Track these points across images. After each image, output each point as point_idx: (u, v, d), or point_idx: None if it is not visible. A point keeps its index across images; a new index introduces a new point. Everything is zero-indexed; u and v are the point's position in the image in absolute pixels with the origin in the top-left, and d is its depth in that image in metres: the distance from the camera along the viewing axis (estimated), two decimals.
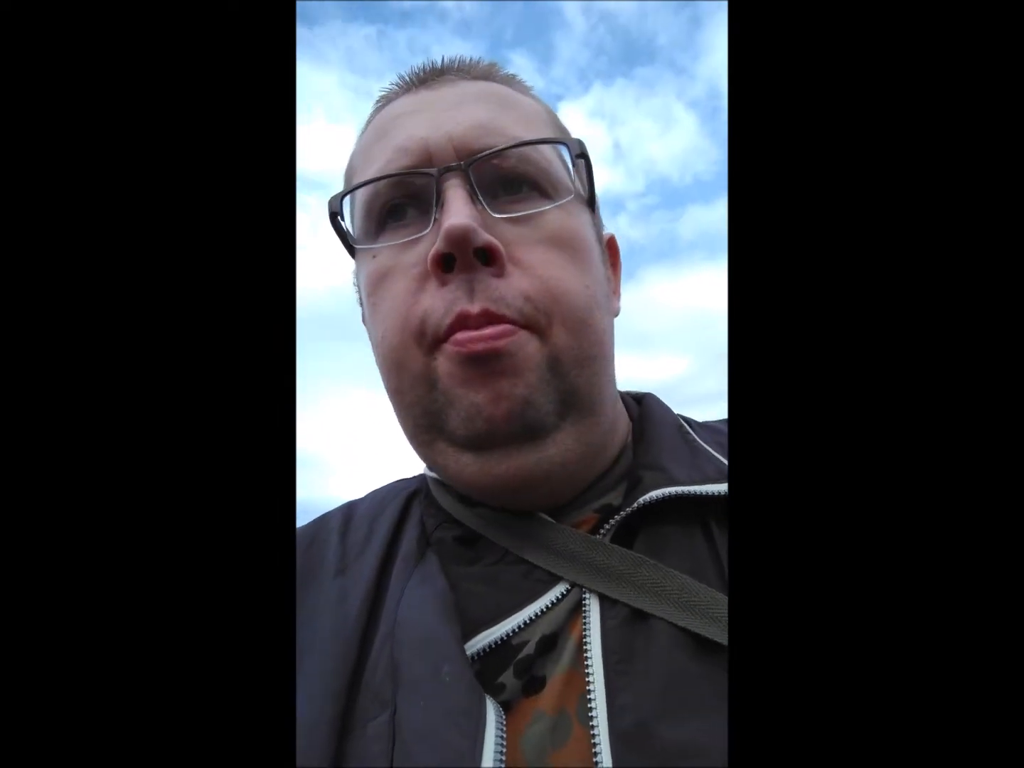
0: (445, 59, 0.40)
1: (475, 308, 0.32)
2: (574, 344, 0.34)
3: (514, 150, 0.34)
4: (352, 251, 0.39)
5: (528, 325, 0.33)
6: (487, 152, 0.34)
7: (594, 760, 0.27)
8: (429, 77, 0.39)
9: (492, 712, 0.28)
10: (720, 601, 0.30)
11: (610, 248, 0.43)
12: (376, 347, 0.37)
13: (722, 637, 0.29)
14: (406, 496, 0.42)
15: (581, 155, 0.37)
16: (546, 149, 0.36)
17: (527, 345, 0.33)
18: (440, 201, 0.33)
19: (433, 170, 0.34)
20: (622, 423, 0.41)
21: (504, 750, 0.27)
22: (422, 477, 0.44)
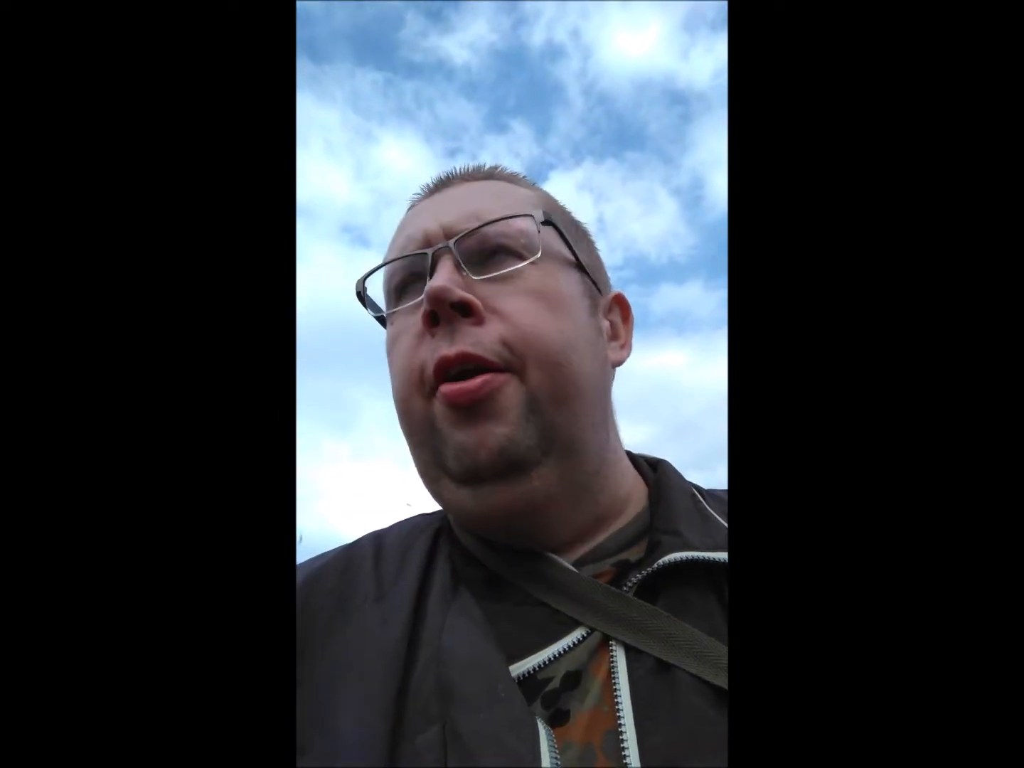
0: (458, 169, 0.49)
1: (452, 351, 0.38)
2: (548, 384, 0.39)
3: (492, 226, 0.41)
4: (383, 323, 0.47)
5: (506, 367, 0.38)
6: (465, 231, 0.41)
7: None
8: (441, 184, 0.48)
9: (541, 724, 0.32)
10: (726, 653, 0.33)
11: (619, 304, 0.49)
12: (393, 396, 0.43)
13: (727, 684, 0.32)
14: (433, 532, 0.45)
15: (546, 222, 0.42)
16: (522, 224, 0.42)
17: (507, 387, 0.38)
18: (432, 275, 0.40)
19: (429, 250, 0.41)
20: (630, 479, 0.46)
21: (558, 754, 0.31)
22: (443, 514, 0.47)
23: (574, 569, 0.39)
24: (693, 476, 0.48)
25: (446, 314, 0.38)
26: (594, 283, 0.46)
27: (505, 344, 0.38)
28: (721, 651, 0.34)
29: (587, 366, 0.41)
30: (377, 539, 0.45)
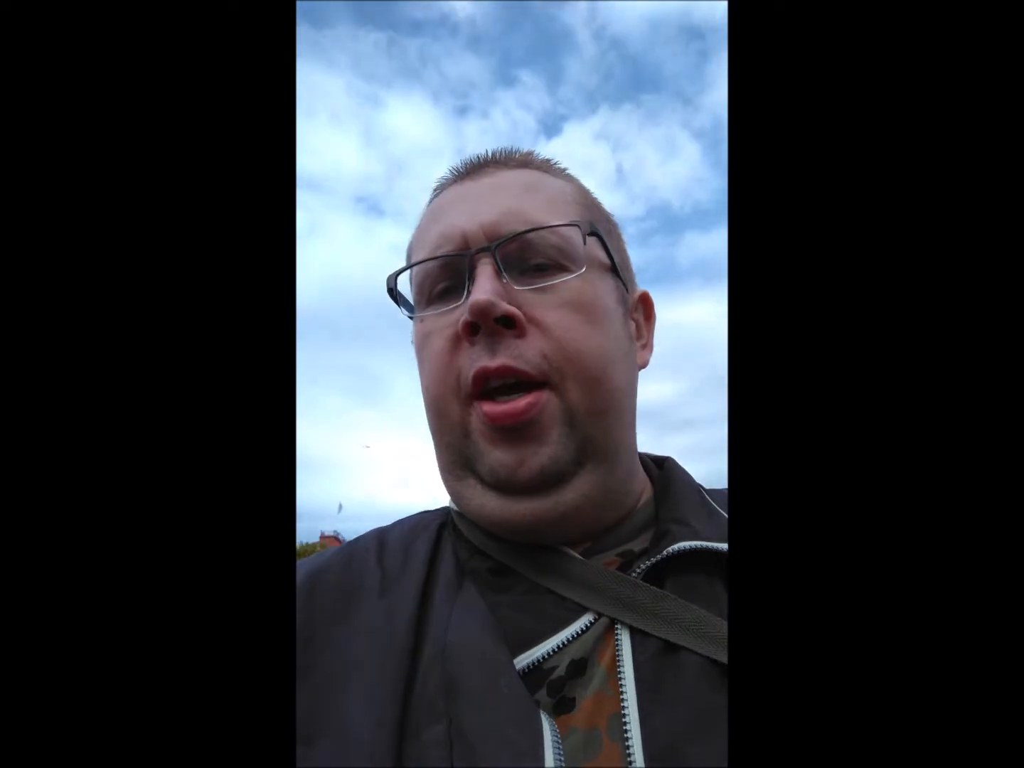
0: (489, 152, 0.47)
1: (494, 364, 0.38)
2: (586, 399, 0.39)
3: (535, 233, 0.40)
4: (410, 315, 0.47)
5: (545, 380, 0.39)
6: (508, 236, 0.40)
7: None
8: (473, 169, 0.46)
9: (545, 718, 0.32)
10: None
11: (643, 304, 0.49)
12: (423, 393, 0.44)
13: None
14: (437, 527, 0.46)
15: (592, 233, 0.42)
16: (566, 232, 0.42)
17: (548, 405, 0.38)
18: (472, 277, 0.40)
19: (467, 253, 0.40)
20: (640, 475, 0.46)
21: (561, 748, 0.31)
22: (446, 510, 0.49)
23: (579, 556, 0.40)
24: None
25: (488, 327, 0.38)
26: (624, 283, 0.46)
27: (546, 358, 0.38)
28: (725, 630, 0.34)
29: (622, 379, 0.42)
30: (380, 535, 0.46)
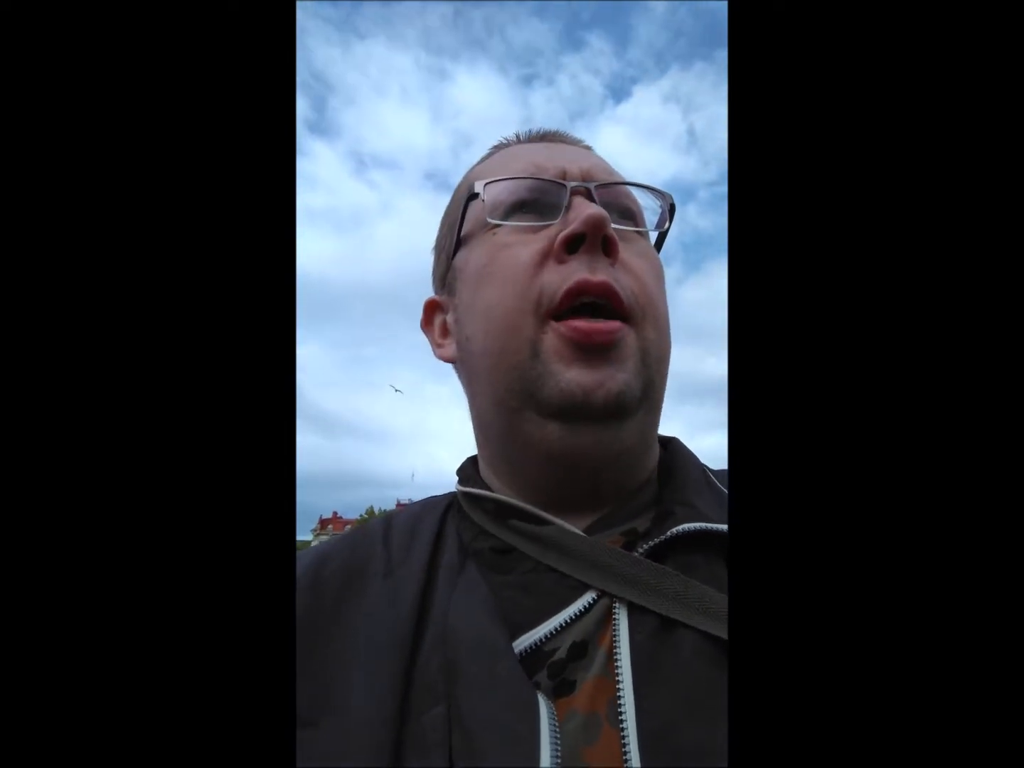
0: (556, 128, 0.50)
1: (596, 279, 0.38)
2: (656, 341, 0.41)
3: (622, 188, 0.44)
4: (458, 243, 0.45)
5: (629, 315, 0.39)
6: (612, 181, 0.43)
7: (624, 757, 0.30)
8: (547, 136, 0.49)
9: (543, 703, 0.32)
10: None
11: None
12: (483, 311, 0.42)
13: None
14: (442, 510, 0.46)
15: (672, 207, 0.45)
16: (654, 198, 0.46)
17: (628, 337, 0.39)
18: (569, 207, 0.41)
19: (569, 183, 0.42)
20: (657, 447, 0.46)
21: (558, 734, 0.30)
22: (452, 495, 0.48)
23: (582, 533, 0.39)
24: None
25: (592, 243, 0.39)
26: None
27: (634, 293, 0.40)
28: (727, 606, 0.33)
29: (670, 343, 0.44)
30: (386, 519, 0.46)
